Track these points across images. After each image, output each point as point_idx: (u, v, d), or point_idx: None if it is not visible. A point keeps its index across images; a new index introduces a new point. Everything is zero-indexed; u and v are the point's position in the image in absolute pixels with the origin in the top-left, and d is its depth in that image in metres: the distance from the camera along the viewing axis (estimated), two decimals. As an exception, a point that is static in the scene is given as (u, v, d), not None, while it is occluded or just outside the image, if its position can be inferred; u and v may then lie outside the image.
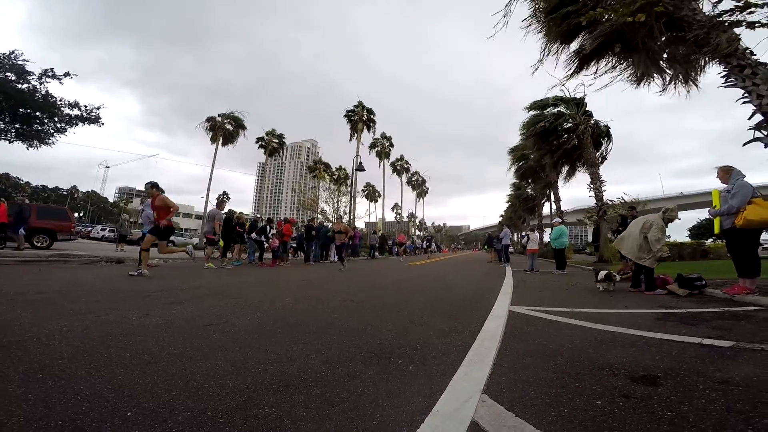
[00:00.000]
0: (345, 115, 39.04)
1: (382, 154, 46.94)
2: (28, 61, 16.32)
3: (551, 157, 20.58)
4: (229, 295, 4.85)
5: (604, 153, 19.93)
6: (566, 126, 19.52)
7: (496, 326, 3.35)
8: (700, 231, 57.75)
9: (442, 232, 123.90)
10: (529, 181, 32.75)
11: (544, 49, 10.81)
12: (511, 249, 18.41)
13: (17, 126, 16.76)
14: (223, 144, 35.48)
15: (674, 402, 1.73)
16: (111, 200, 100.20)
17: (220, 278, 7.08)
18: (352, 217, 28.69)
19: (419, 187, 66.76)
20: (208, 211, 13.93)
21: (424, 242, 26.66)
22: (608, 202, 18.43)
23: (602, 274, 6.49)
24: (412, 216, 74.50)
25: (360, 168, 23.29)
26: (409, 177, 62.12)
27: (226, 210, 11.70)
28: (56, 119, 17.39)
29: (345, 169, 41.36)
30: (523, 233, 13.59)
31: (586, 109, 19.08)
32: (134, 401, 1.56)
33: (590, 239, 30.48)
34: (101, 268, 8.14)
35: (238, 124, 35.94)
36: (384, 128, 60.43)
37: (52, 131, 17.62)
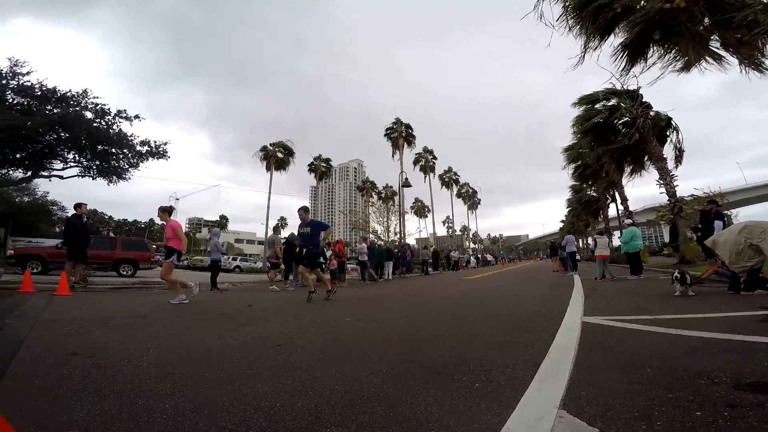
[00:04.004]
0: (385, 134, 39.65)
1: (427, 168, 46.58)
2: (97, 97, 17.70)
3: (611, 154, 19.15)
4: (294, 316, 5.02)
5: (678, 145, 18.03)
6: (623, 120, 18.13)
7: (569, 338, 3.13)
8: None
9: (498, 243, 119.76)
10: (589, 182, 30.71)
11: (586, 47, 10.40)
12: (578, 256, 17.13)
13: (97, 162, 18.53)
14: (276, 169, 37.84)
15: (792, 410, 1.51)
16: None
17: (284, 300, 7.37)
18: (402, 234, 28.65)
19: (470, 198, 65.10)
20: (267, 237, 14.68)
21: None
22: (683, 198, 16.64)
23: (676, 275, 5.82)
24: (465, 229, 72.70)
25: (406, 184, 23.31)
26: (458, 189, 60.72)
27: (284, 234, 12.22)
28: (129, 155, 18.99)
29: (391, 187, 41.67)
30: (589, 238, 12.48)
31: (643, 100, 17.59)
32: (213, 420, 1.64)
33: (667, 240, 27.67)
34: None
35: (288, 151, 38.31)
36: (429, 143, 60.07)
37: (127, 166, 19.24)
